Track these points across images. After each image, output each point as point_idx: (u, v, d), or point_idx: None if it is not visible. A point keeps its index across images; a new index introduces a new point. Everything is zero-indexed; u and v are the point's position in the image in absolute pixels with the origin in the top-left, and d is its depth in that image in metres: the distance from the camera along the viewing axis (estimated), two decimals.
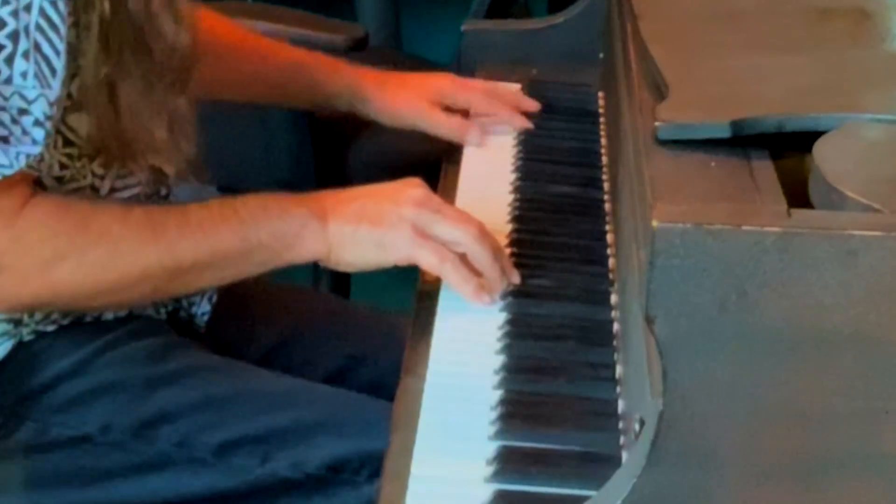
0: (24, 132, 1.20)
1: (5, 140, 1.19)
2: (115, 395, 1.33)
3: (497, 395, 1.17)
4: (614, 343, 1.23)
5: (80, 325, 1.34)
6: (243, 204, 1.30)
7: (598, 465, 1.05)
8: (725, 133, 1.03)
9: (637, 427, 0.95)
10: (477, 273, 1.30)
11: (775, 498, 0.91)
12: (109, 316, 1.36)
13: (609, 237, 1.41)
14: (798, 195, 0.96)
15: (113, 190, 1.35)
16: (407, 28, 3.09)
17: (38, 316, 1.33)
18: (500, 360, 1.22)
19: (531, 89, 1.81)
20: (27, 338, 1.33)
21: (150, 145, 1.32)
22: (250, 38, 1.64)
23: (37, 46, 1.19)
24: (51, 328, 1.34)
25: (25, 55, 1.19)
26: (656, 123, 1.05)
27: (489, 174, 1.59)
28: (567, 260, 1.39)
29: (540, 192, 1.54)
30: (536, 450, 1.09)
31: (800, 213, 0.90)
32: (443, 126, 1.65)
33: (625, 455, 1.06)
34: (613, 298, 1.30)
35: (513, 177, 1.58)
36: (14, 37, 1.18)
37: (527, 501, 1.04)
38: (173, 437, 1.32)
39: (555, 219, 1.48)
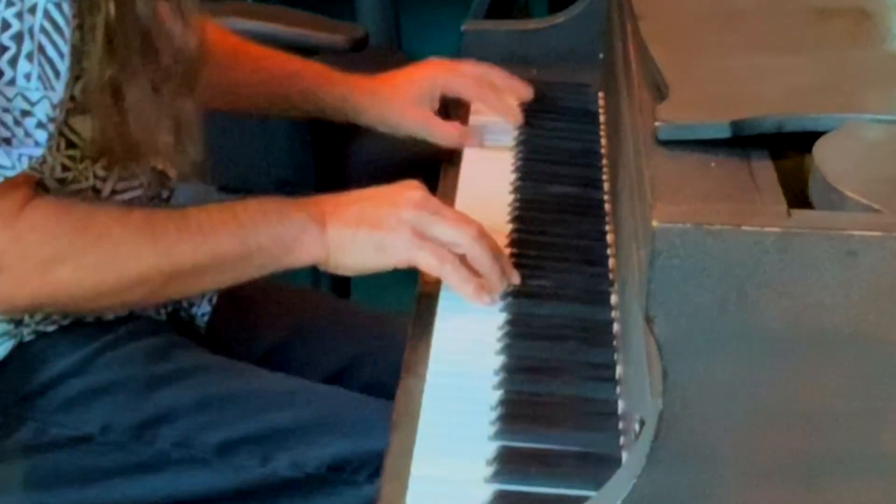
0: (27, 134, 1.20)
1: (8, 142, 1.19)
2: (115, 395, 1.33)
3: (497, 395, 1.17)
4: (614, 343, 1.23)
5: (81, 326, 1.34)
6: (243, 208, 1.30)
7: (598, 465, 1.05)
8: (725, 133, 1.03)
9: (637, 427, 0.95)
10: (477, 274, 1.30)
11: (775, 498, 0.91)
12: (110, 316, 1.36)
13: (609, 237, 1.41)
14: (798, 195, 0.96)
15: (114, 192, 1.35)
16: (407, 28, 3.09)
17: (38, 316, 1.33)
18: (500, 360, 1.22)
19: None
20: (27, 338, 1.33)
21: (155, 148, 1.32)
22: (242, 47, 1.63)
23: (41, 48, 1.19)
24: (51, 328, 1.34)
25: (29, 57, 1.19)
26: (656, 123, 1.05)
27: (489, 174, 1.59)
28: (567, 260, 1.39)
29: (540, 192, 1.54)
30: (536, 450, 1.09)
31: (800, 213, 0.90)
32: (440, 135, 1.64)
33: (625, 455, 1.06)
34: (613, 298, 1.30)
35: (513, 177, 1.58)
36: (18, 38, 1.18)
37: (527, 501, 1.04)
38: (173, 437, 1.32)
39: (555, 219, 1.48)
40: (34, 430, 1.33)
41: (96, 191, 1.34)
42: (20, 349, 1.33)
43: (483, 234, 1.30)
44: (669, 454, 0.90)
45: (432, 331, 1.27)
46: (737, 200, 0.95)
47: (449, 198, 1.52)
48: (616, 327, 1.25)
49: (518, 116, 1.68)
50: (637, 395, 1.01)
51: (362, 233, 1.29)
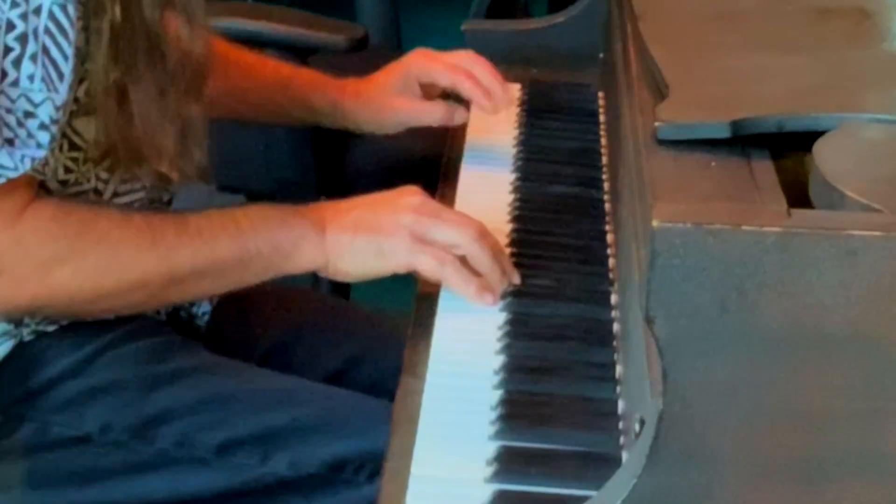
0: (30, 135, 1.20)
1: (10, 143, 1.19)
2: (115, 395, 1.33)
3: (497, 395, 1.17)
4: (614, 343, 1.24)
5: (80, 326, 1.34)
6: (243, 213, 1.30)
7: (598, 465, 1.05)
8: (725, 133, 1.03)
9: (637, 427, 0.95)
10: (478, 274, 1.30)
11: (775, 498, 0.91)
12: (110, 316, 1.36)
13: (609, 237, 1.41)
14: (798, 195, 0.96)
15: (116, 194, 1.35)
16: (407, 28, 3.09)
17: (38, 316, 1.33)
18: (500, 360, 1.22)
19: (531, 89, 1.81)
20: (27, 338, 1.33)
21: (159, 152, 1.32)
22: (233, 54, 1.61)
23: (45, 50, 1.19)
24: (51, 328, 1.34)
25: (33, 58, 1.19)
26: (656, 123, 1.05)
27: (489, 174, 1.59)
28: (567, 260, 1.39)
29: (540, 192, 1.54)
30: (536, 450, 1.09)
31: (800, 213, 0.90)
32: (426, 115, 1.61)
33: (625, 455, 1.06)
34: (613, 298, 1.30)
35: (513, 177, 1.58)
36: (22, 39, 1.18)
37: (527, 501, 1.04)
38: (173, 437, 1.32)
39: (555, 219, 1.48)
40: (34, 430, 1.33)
41: (98, 193, 1.34)
42: (20, 349, 1.33)
43: (483, 234, 1.30)
44: (669, 454, 0.90)
45: (432, 331, 1.27)
46: (737, 200, 0.95)
47: (449, 197, 1.52)
48: (616, 327, 1.25)
49: (496, 101, 1.60)
50: (637, 395, 1.01)
51: (361, 238, 1.29)
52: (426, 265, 1.29)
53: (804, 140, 1.01)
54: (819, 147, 0.99)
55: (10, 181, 1.20)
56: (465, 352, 1.24)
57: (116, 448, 1.32)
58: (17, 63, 1.18)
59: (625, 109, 1.26)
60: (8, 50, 1.18)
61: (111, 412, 1.32)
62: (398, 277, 1.32)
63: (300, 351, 1.52)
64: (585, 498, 0.96)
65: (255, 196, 2.21)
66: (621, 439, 1.09)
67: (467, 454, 1.09)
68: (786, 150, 1.04)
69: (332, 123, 1.66)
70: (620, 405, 1.14)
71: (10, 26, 1.17)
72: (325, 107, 1.64)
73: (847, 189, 0.92)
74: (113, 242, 1.25)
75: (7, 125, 1.19)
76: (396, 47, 2.98)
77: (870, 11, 1.33)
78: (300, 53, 2.09)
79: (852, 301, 0.87)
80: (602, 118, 1.71)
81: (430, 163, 1.63)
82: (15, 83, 1.19)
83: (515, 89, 1.80)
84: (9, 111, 1.19)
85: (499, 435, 1.11)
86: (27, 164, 1.20)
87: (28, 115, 1.20)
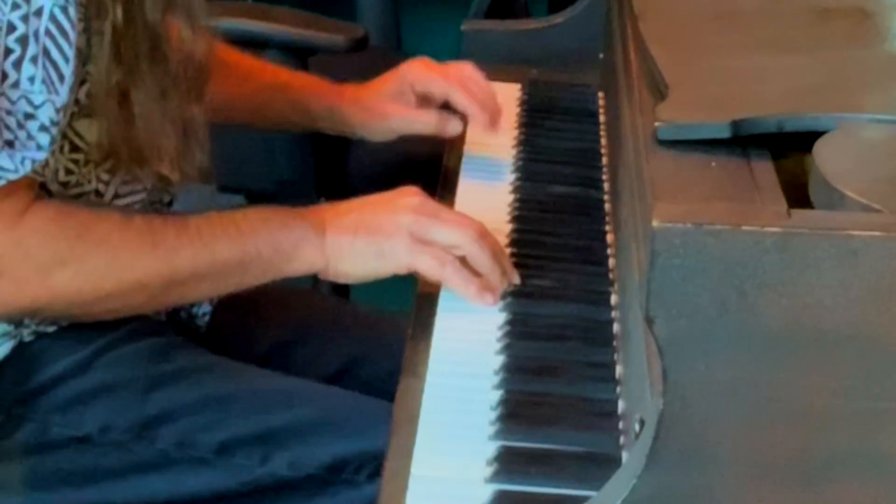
0: (30, 137, 1.20)
1: (10, 144, 1.19)
2: (115, 395, 1.33)
3: (497, 395, 1.17)
4: (614, 343, 1.24)
5: (81, 326, 1.34)
6: (243, 216, 1.30)
7: (598, 465, 1.05)
8: (725, 133, 1.03)
9: (637, 427, 0.95)
10: (478, 274, 1.30)
11: (775, 498, 0.91)
12: (110, 317, 1.36)
13: (609, 237, 1.41)
14: (798, 195, 0.96)
15: (117, 196, 1.35)
16: (407, 28, 3.09)
17: (38, 317, 1.32)
18: (500, 360, 1.22)
19: (531, 89, 1.81)
20: (27, 338, 1.33)
21: (160, 153, 1.32)
22: (231, 58, 1.61)
23: (45, 52, 1.19)
24: (51, 329, 1.34)
25: (34, 60, 1.19)
26: (656, 123, 1.05)
27: (489, 174, 1.59)
28: (567, 260, 1.39)
29: (540, 192, 1.54)
30: (536, 450, 1.09)
31: (800, 213, 0.90)
32: (419, 123, 1.60)
33: (625, 455, 1.06)
34: (613, 298, 1.30)
35: (513, 177, 1.58)
36: (23, 41, 1.18)
37: (527, 501, 1.04)
38: (173, 437, 1.32)
39: (555, 219, 1.48)
40: (34, 430, 1.33)
41: (99, 194, 1.34)
42: (20, 349, 1.33)
43: (483, 234, 1.30)
44: (669, 454, 0.90)
45: (432, 331, 1.27)
46: (737, 200, 0.95)
47: (449, 197, 1.52)
48: (616, 327, 1.25)
49: (489, 115, 1.59)
50: (637, 395, 1.01)
51: (360, 239, 1.29)
52: (426, 266, 1.29)
53: (804, 140, 1.01)
54: (819, 147, 0.99)
55: (11, 183, 1.20)
56: (465, 352, 1.24)
57: (116, 448, 1.32)
58: (17, 65, 1.18)
59: (625, 109, 1.26)
60: (8, 52, 1.18)
61: (111, 412, 1.32)
62: (398, 277, 1.32)
63: (300, 351, 1.52)
64: (585, 498, 0.96)
65: (255, 197, 2.21)
66: (621, 439, 1.09)
67: (467, 454, 1.09)
68: (786, 150, 1.04)
69: (330, 129, 1.66)
70: (620, 405, 1.14)
71: (11, 28, 1.18)
72: (323, 112, 1.63)
73: (847, 189, 0.92)
74: (113, 244, 1.25)
75: (7, 127, 1.19)
76: (396, 47, 2.98)
77: (870, 11, 1.33)
78: (300, 53, 2.09)
79: (852, 301, 0.87)
80: (602, 118, 1.71)
81: (429, 163, 1.63)
82: (15, 85, 1.19)
83: (515, 89, 1.80)
84: (9, 113, 1.19)
85: (499, 435, 1.11)
86: (27, 166, 1.20)
87: (28, 116, 1.20)
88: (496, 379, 1.19)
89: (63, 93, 1.21)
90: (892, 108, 1.09)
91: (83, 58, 1.24)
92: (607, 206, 1.47)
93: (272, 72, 1.66)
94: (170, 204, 1.44)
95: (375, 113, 1.61)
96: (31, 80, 1.19)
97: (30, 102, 1.19)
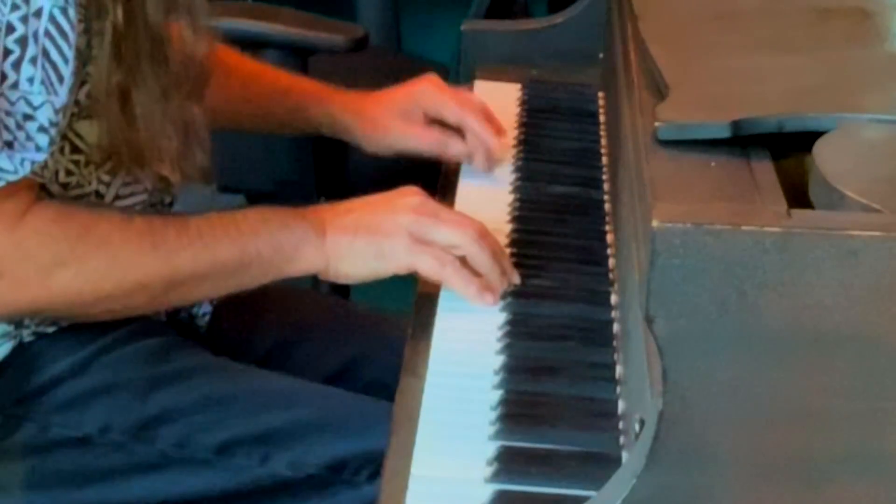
0: (29, 138, 1.20)
1: (10, 145, 1.19)
2: (115, 396, 1.33)
3: (497, 395, 1.17)
4: (614, 343, 1.23)
5: (80, 327, 1.34)
6: (243, 216, 1.30)
7: (598, 465, 1.05)
8: (725, 133, 1.03)
9: (637, 427, 0.95)
10: (478, 274, 1.30)
11: (775, 498, 0.91)
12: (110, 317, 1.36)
13: (609, 237, 1.41)
14: (798, 195, 0.96)
15: (117, 197, 1.35)
16: (407, 28, 3.09)
17: (38, 318, 1.32)
18: (500, 360, 1.22)
19: (531, 89, 1.81)
20: (27, 339, 1.33)
21: (161, 153, 1.32)
22: (232, 61, 1.61)
23: (45, 53, 1.19)
24: (51, 330, 1.34)
25: (33, 61, 1.19)
26: (656, 123, 1.05)
27: (489, 174, 1.59)
28: (567, 260, 1.39)
29: (540, 192, 1.54)
30: (536, 450, 1.09)
31: (800, 213, 0.90)
32: (414, 139, 1.59)
33: (625, 455, 1.06)
34: (613, 298, 1.30)
35: (513, 177, 1.58)
36: (22, 42, 1.18)
37: (527, 501, 1.04)
38: (173, 438, 1.32)
39: (555, 219, 1.48)
40: (34, 430, 1.33)
41: (100, 195, 1.34)
42: (20, 350, 1.33)
43: (483, 234, 1.30)
44: (669, 454, 0.90)
45: (432, 331, 1.27)
46: (737, 200, 0.95)
47: (449, 197, 1.52)
48: (616, 327, 1.25)
49: (489, 157, 1.57)
50: (637, 395, 1.01)
51: (360, 240, 1.29)
52: (426, 266, 1.29)
53: (804, 140, 1.01)
54: (819, 147, 0.99)
55: (10, 184, 1.20)
56: (465, 352, 1.24)
57: (116, 449, 1.32)
58: (16, 66, 1.18)
59: (625, 109, 1.26)
60: (7, 52, 1.18)
61: (111, 413, 1.32)
62: (398, 277, 1.32)
63: (300, 351, 1.52)
64: (585, 498, 0.96)
65: (256, 197, 2.22)
66: (621, 439, 1.09)
67: (467, 454, 1.09)
68: (786, 150, 1.04)
69: (331, 135, 1.65)
70: (620, 405, 1.14)
71: (10, 29, 1.17)
72: (324, 118, 1.63)
73: (847, 189, 0.92)
74: (114, 245, 1.25)
75: (6, 128, 1.19)
76: (396, 47, 2.98)
77: (870, 11, 1.33)
78: (300, 54, 2.09)
79: (852, 301, 0.87)
80: (602, 118, 1.71)
81: (429, 163, 1.63)
82: (14, 86, 1.19)
83: (515, 89, 1.80)
84: (8, 114, 1.19)
85: (499, 435, 1.11)
86: (27, 168, 1.20)
87: (27, 117, 1.20)
88: (496, 379, 1.19)
89: (62, 94, 1.21)
90: (892, 108, 1.09)
91: (83, 58, 1.24)
92: (607, 206, 1.47)
93: (273, 76, 1.65)
94: (171, 205, 1.44)
95: (378, 126, 1.61)
96: (31, 81, 1.19)
97: (29, 103, 1.19)
